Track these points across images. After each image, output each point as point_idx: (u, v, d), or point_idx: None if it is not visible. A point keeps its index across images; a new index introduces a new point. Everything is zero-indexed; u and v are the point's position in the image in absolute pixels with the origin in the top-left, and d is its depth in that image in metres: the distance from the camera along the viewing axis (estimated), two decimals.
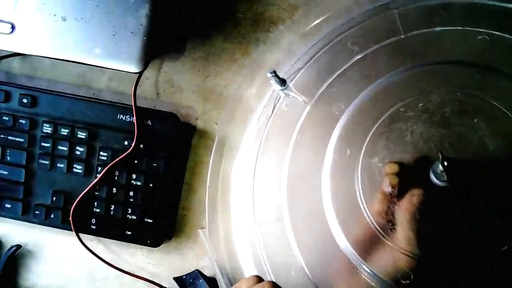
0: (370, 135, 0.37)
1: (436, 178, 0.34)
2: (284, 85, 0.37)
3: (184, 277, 0.42)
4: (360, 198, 0.36)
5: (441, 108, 0.36)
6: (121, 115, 0.41)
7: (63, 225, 0.41)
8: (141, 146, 0.41)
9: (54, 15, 0.38)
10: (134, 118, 0.41)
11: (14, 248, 0.42)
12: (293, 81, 0.40)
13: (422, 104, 0.36)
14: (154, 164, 0.41)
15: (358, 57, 0.39)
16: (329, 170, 0.37)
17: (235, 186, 0.42)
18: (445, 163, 0.33)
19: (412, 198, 0.34)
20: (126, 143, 0.41)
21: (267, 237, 0.39)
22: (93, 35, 0.38)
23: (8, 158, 0.41)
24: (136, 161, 0.41)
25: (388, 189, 0.35)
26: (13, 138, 0.41)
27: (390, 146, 0.36)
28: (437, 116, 0.36)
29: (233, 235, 0.42)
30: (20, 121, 0.41)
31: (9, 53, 0.42)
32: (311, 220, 0.38)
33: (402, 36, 0.39)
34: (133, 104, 0.41)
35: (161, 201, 0.42)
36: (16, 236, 0.43)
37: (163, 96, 0.44)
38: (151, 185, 0.41)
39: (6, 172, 0.41)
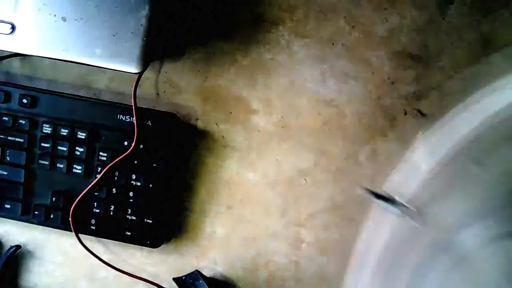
0: None
1: None
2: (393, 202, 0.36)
3: (183, 277, 0.42)
4: None
5: None
6: (121, 115, 0.41)
7: (63, 225, 0.41)
8: (141, 146, 0.41)
9: (54, 15, 0.38)
10: (134, 118, 0.40)
11: (14, 248, 0.42)
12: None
13: None
14: (154, 164, 0.41)
15: None
16: None
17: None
18: None
19: None
20: (126, 143, 0.41)
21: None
22: (93, 35, 0.38)
23: (8, 158, 0.41)
24: (136, 161, 0.41)
25: None
26: (13, 138, 0.41)
27: None
28: None
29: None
30: (20, 121, 0.41)
31: (9, 53, 0.42)
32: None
33: None
34: (133, 104, 0.40)
35: (161, 201, 0.41)
36: (16, 236, 0.43)
37: (163, 96, 0.44)
38: (151, 185, 0.41)
39: (6, 172, 0.41)
